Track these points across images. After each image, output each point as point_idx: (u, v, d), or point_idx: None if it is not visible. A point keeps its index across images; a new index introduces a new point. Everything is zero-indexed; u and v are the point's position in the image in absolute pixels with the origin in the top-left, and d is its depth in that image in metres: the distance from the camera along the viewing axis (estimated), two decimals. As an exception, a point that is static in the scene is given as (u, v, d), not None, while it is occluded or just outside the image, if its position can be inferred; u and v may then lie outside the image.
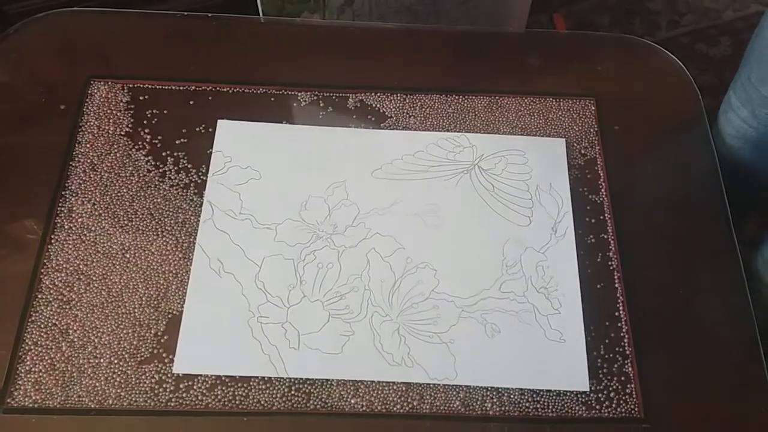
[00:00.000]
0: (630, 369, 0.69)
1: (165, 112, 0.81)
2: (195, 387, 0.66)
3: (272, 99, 0.83)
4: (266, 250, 0.73)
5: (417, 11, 1.10)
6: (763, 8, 1.67)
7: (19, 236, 0.73)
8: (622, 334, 0.71)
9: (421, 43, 0.88)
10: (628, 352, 0.70)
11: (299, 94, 0.83)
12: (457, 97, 0.83)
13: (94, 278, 0.71)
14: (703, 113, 0.87)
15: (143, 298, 0.71)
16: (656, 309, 0.72)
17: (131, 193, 0.76)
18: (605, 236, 0.76)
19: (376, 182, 0.77)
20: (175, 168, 0.78)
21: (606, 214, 0.77)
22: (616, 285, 0.73)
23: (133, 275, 0.72)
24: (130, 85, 0.82)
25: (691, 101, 0.88)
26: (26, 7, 1.14)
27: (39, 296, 0.70)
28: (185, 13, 0.89)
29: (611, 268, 0.74)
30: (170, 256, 0.73)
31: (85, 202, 0.75)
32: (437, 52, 0.88)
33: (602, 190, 0.78)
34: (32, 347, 0.68)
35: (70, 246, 0.73)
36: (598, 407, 0.67)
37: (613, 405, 0.67)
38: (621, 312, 0.72)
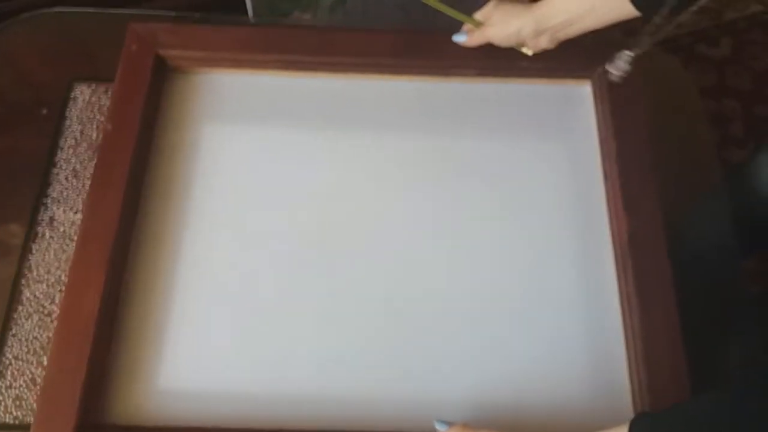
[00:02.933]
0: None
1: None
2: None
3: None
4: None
5: (409, 10, 1.08)
6: (764, 8, 1.66)
7: (2, 240, 0.71)
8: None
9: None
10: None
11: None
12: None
13: (76, 290, 0.69)
14: (703, 116, 0.85)
15: (127, 311, 0.69)
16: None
17: (115, 201, 0.74)
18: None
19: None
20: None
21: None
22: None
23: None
24: (114, 89, 0.80)
25: (692, 103, 0.86)
26: (10, 6, 1.12)
27: (19, 309, 0.68)
28: (173, 13, 0.87)
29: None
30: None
31: (67, 211, 0.73)
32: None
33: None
34: (12, 362, 0.66)
35: (51, 256, 0.70)
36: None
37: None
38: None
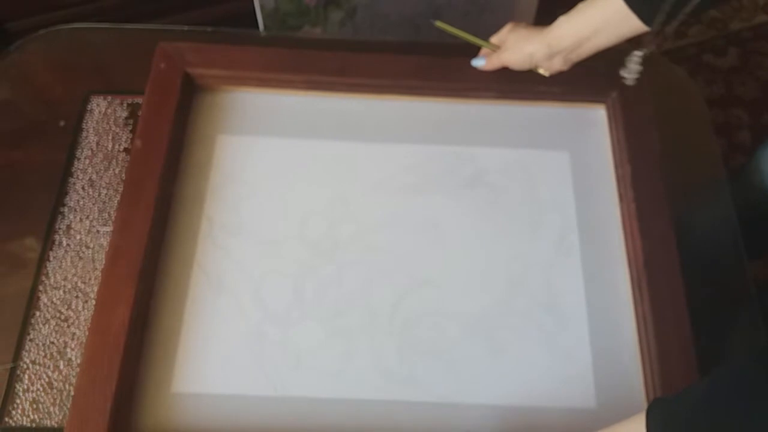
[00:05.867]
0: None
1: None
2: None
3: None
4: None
5: (418, 25, 1.09)
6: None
7: (19, 254, 0.73)
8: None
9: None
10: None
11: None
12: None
13: (92, 296, 0.70)
14: (710, 125, 0.85)
15: (141, 316, 0.70)
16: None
17: (130, 210, 0.75)
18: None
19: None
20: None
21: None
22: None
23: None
24: (129, 101, 0.82)
25: (699, 113, 0.87)
26: (27, 24, 1.15)
27: (37, 314, 0.70)
28: (185, 28, 0.89)
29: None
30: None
31: (84, 219, 0.74)
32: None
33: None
34: (30, 366, 0.67)
35: (68, 263, 0.72)
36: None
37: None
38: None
